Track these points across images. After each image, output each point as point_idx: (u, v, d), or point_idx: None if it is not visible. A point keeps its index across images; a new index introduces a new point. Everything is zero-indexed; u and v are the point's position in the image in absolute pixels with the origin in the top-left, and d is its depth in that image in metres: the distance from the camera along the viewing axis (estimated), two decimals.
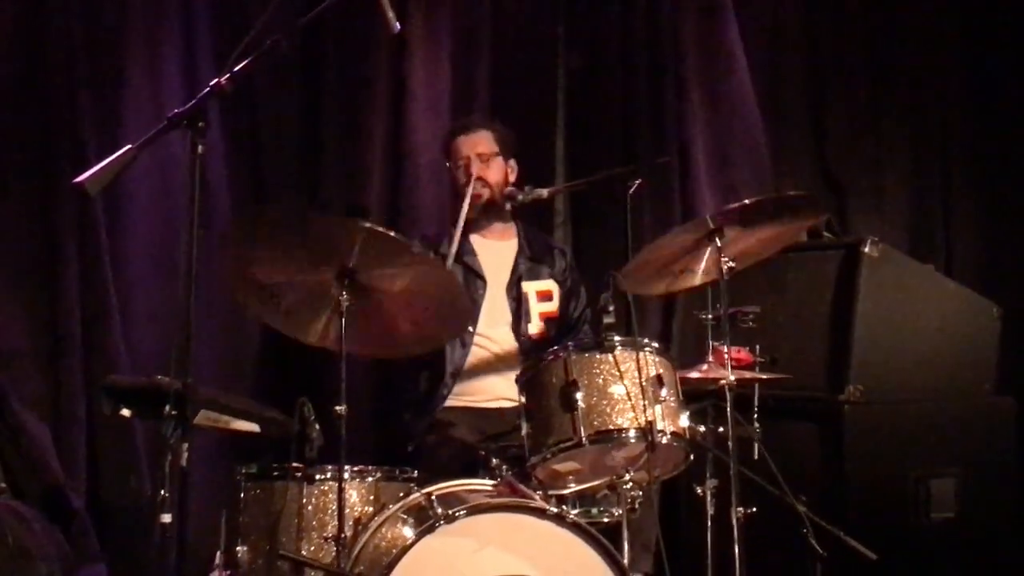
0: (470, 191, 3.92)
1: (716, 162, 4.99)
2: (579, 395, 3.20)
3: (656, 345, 3.35)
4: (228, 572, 3.17)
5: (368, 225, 3.04)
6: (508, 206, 4.04)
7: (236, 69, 2.77)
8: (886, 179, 5.28)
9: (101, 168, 2.72)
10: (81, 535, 4.04)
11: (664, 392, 3.24)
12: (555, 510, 3.08)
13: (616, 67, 5.02)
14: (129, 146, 2.74)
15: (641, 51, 5.01)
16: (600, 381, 3.24)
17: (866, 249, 4.09)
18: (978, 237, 5.28)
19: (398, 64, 4.65)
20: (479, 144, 4.09)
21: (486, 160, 4.08)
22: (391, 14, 2.91)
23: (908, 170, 5.33)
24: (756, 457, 3.53)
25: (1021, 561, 4.28)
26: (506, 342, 4.04)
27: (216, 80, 2.75)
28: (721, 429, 3.39)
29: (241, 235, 3.26)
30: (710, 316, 3.62)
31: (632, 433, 3.19)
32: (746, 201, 3.41)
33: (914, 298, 4.24)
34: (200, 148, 2.73)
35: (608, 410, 3.21)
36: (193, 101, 2.74)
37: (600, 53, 5.03)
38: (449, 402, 4.00)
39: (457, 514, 2.99)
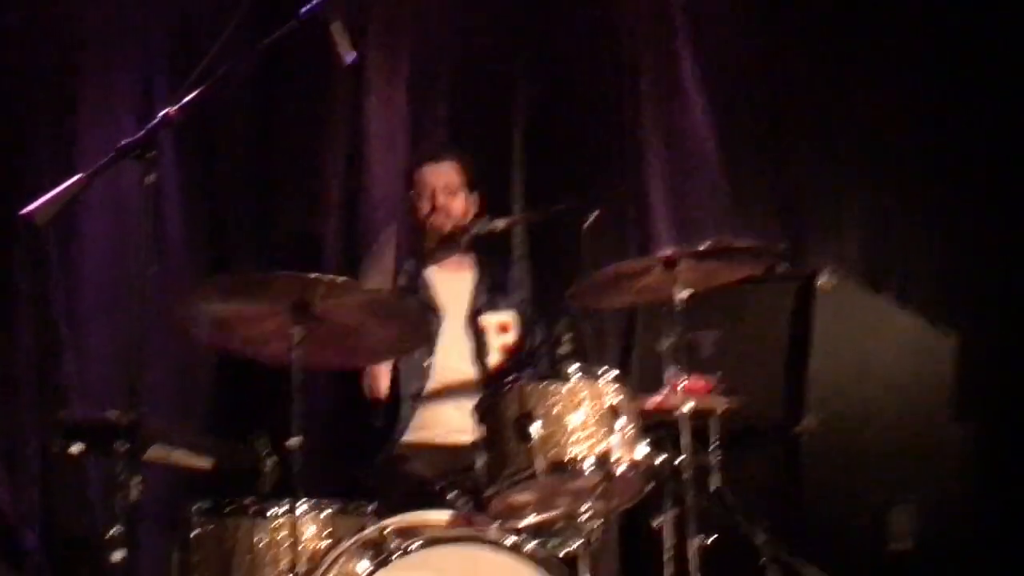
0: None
1: (673, 195, 4.99)
2: (534, 426, 3.16)
3: (612, 374, 3.32)
4: None
5: (316, 276, 3.01)
6: (464, 238, 4.03)
7: (187, 99, 2.76)
8: (843, 208, 5.30)
9: (50, 198, 2.69)
10: (34, 574, 3.99)
11: (621, 421, 3.21)
12: (511, 541, 3.06)
13: (573, 101, 5.03)
14: (78, 176, 2.71)
15: (598, 86, 5.03)
16: (556, 411, 3.19)
17: (822, 279, 4.11)
18: (934, 265, 5.31)
19: (356, 96, 4.65)
20: (446, 175, 4.08)
21: (452, 192, 4.07)
22: (344, 45, 2.90)
23: (866, 199, 5.35)
24: (714, 487, 3.53)
25: None
26: (465, 375, 4.02)
27: (166, 110, 2.73)
28: (679, 459, 3.37)
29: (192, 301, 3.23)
30: (668, 344, 3.62)
31: (588, 463, 3.16)
32: (699, 248, 3.39)
33: (871, 327, 4.25)
34: (151, 178, 2.71)
35: (564, 440, 3.17)
36: (143, 131, 2.72)
37: (557, 87, 5.04)
38: (408, 437, 3.96)
39: (412, 547, 2.97)
